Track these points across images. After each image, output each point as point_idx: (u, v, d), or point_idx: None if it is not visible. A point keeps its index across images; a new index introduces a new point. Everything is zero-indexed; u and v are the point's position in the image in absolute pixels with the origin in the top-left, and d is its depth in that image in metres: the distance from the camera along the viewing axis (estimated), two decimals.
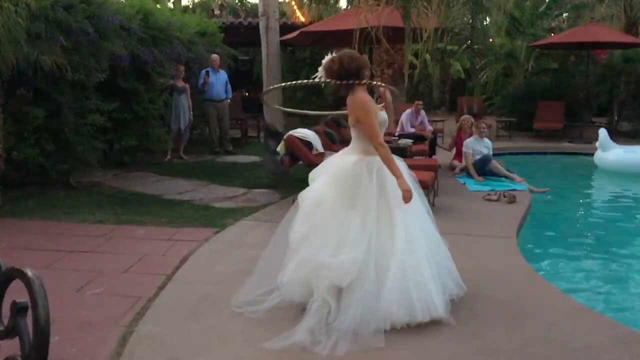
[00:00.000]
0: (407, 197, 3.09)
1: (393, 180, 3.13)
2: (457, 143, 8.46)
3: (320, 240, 3.09)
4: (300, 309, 3.12)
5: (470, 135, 8.23)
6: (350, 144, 3.33)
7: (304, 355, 2.76)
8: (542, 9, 14.76)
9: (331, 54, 3.34)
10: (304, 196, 3.25)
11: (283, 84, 4.16)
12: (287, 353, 2.79)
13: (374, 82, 3.42)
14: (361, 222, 3.08)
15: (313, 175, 3.38)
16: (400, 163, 3.27)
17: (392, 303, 2.97)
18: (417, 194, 3.29)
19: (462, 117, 8.84)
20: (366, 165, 3.19)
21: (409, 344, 2.85)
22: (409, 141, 7.47)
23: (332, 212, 3.14)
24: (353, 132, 3.29)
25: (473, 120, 8.74)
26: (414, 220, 3.23)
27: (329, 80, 3.28)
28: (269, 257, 3.39)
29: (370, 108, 3.20)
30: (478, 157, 7.74)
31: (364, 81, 3.25)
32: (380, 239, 3.10)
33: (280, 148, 6.25)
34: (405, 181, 3.13)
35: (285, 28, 10.55)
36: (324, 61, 3.30)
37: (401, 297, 3.00)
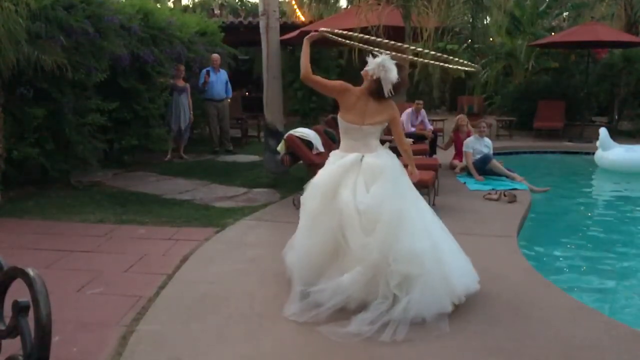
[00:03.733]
0: (414, 178, 3.56)
1: None
2: (456, 143, 8.46)
3: (394, 237, 3.14)
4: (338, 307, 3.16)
5: (468, 134, 8.24)
6: (361, 142, 3.40)
7: (306, 350, 2.76)
8: (542, 8, 14.76)
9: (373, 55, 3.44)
10: (365, 209, 3.19)
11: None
12: (287, 350, 2.79)
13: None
14: (416, 209, 3.31)
15: (324, 184, 3.34)
16: (397, 161, 3.46)
17: (454, 282, 3.20)
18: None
19: (457, 117, 8.83)
20: (393, 155, 3.48)
21: (412, 343, 2.85)
22: (409, 140, 7.46)
23: (397, 208, 3.22)
24: (371, 129, 3.41)
25: (467, 118, 8.79)
26: None
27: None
28: (305, 264, 3.34)
29: None
30: (478, 156, 7.74)
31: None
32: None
33: (280, 147, 6.25)
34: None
35: (285, 27, 10.55)
36: (392, 67, 3.33)
37: (459, 274, 3.27)
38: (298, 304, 3.17)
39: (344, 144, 3.51)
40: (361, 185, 3.25)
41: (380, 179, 3.26)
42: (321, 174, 3.45)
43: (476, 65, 4.07)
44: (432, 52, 3.87)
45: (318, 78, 3.53)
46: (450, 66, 3.90)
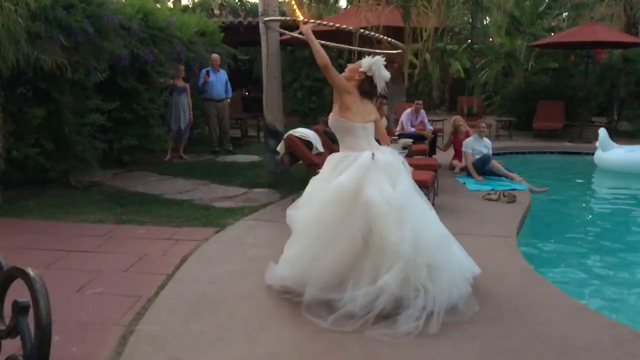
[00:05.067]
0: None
1: None
2: (455, 143, 8.47)
3: (421, 229, 3.23)
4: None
5: (467, 134, 8.25)
6: (365, 140, 3.48)
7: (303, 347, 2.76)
8: (542, 8, 14.76)
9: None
10: (399, 204, 3.23)
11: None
12: (287, 350, 2.79)
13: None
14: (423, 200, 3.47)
15: (349, 189, 3.27)
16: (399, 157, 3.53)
17: (464, 266, 3.37)
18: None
19: (454, 119, 8.85)
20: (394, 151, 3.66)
21: (411, 344, 2.85)
22: (409, 140, 7.47)
23: (419, 201, 3.38)
24: (371, 126, 3.54)
25: (462, 118, 8.86)
26: None
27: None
28: (327, 275, 3.24)
29: None
30: (478, 156, 7.75)
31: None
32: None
33: (280, 147, 6.26)
34: None
35: (285, 27, 10.53)
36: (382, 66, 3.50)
37: (463, 258, 3.43)
38: (332, 316, 3.04)
39: (348, 144, 3.49)
40: (385, 182, 3.29)
41: (401, 175, 3.37)
42: (345, 178, 3.30)
43: (401, 44, 4.49)
44: (367, 32, 4.13)
45: (336, 71, 3.52)
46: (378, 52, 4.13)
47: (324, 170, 3.53)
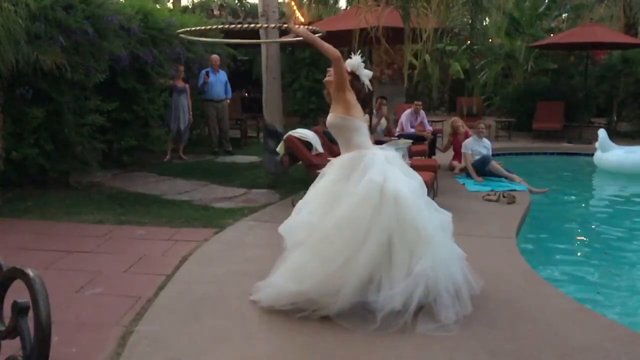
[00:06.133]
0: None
1: None
2: (455, 145, 8.47)
3: (432, 215, 3.32)
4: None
5: (466, 134, 8.26)
6: (366, 138, 3.47)
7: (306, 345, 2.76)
8: (541, 9, 14.79)
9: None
10: (420, 194, 3.36)
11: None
12: (286, 351, 2.79)
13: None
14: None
15: (380, 187, 3.19)
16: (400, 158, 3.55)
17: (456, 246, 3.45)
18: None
19: (452, 120, 8.85)
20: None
21: (410, 344, 2.85)
22: (408, 141, 7.48)
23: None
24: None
25: (460, 119, 8.89)
26: None
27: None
28: (359, 278, 3.12)
29: None
30: (477, 157, 7.75)
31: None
32: None
33: (279, 148, 6.26)
34: None
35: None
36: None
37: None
38: (378, 316, 2.98)
39: (357, 143, 3.38)
40: (401, 174, 3.33)
41: (407, 167, 3.46)
42: (375, 175, 3.20)
43: (322, 30, 4.56)
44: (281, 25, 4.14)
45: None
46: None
47: (336, 172, 3.35)
